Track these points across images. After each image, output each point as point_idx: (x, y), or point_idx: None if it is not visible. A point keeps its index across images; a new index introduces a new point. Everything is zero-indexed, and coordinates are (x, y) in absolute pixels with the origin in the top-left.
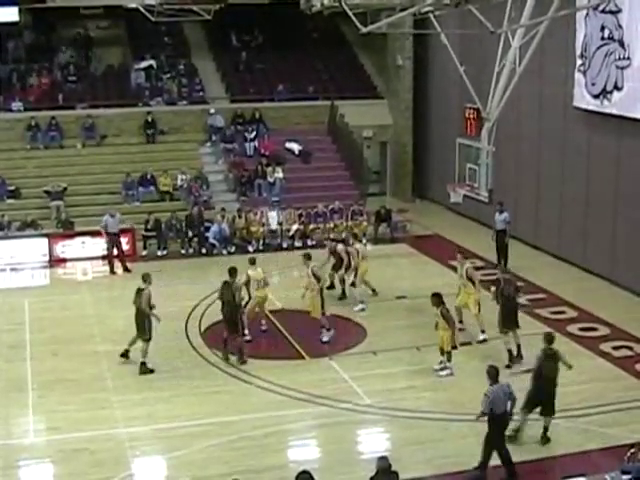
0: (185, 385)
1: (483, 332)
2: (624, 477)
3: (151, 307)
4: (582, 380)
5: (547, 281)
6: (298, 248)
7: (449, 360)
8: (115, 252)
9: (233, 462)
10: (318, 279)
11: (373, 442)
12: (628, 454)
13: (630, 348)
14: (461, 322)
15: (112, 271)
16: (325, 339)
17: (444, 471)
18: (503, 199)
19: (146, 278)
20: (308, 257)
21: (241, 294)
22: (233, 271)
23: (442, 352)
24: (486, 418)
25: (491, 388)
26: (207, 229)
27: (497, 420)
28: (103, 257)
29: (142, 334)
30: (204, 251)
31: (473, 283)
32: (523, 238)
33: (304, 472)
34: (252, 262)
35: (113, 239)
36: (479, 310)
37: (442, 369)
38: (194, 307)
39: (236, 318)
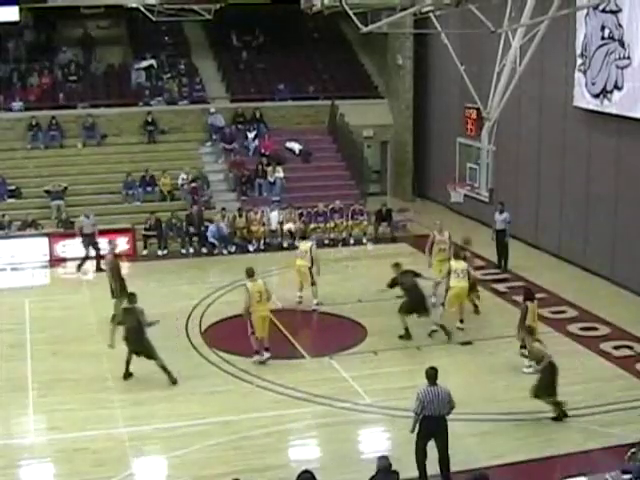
0: (185, 385)
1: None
2: (624, 477)
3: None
4: (582, 380)
5: (547, 281)
6: (298, 248)
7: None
8: (93, 253)
9: (233, 462)
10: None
11: (373, 441)
12: (628, 454)
13: (630, 347)
14: (461, 322)
15: (79, 269)
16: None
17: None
18: (503, 199)
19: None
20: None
21: (145, 318)
22: (132, 296)
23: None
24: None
25: (424, 389)
26: (207, 228)
27: (425, 421)
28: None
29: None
30: (205, 251)
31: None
32: (523, 238)
33: (306, 471)
34: (250, 274)
35: (88, 240)
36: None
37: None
38: (194, 307)
39: (147, 344)
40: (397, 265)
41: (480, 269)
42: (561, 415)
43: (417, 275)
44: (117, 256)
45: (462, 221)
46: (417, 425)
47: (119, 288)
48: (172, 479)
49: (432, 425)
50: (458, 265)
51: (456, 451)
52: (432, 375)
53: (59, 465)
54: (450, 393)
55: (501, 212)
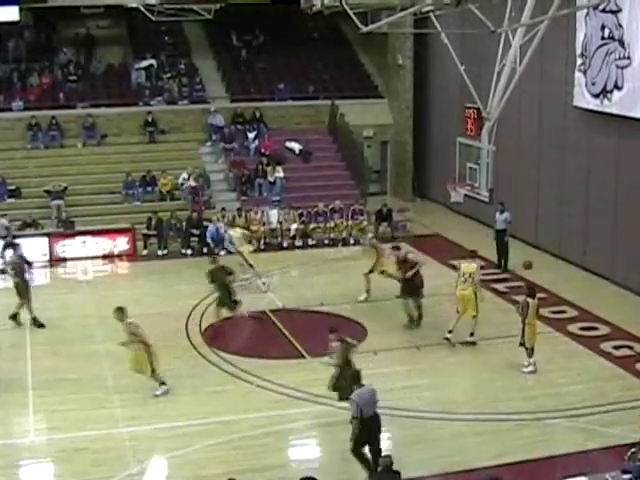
0: (185, 384)
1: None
2: (624, 477)
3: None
4: (583, 380)
5: (547, 280)
6: (298, 247)
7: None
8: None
9: (233, 462)
10: None
11: None
12: (628, 454)
13: (630, 347)
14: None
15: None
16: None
17: (443, 471)
18: (503, 198)
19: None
20: None
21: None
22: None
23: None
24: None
25: (356, 392)
26: (207, 229)
27: (366, 423)
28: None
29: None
30: (205, 251)
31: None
32: (523, 237)
33: (309, 478)
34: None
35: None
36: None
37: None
38: (194, 306)
39: None
40: (214, 260)
41: (480, 269)
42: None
43: (230, 273)
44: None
45: (462, 221)
46: (358, 427)
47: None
48: (172, 479)
49: (372, 424)
50: (467, 268)
51: (456, 451)
52: (357, 378)
53: (59, 465)
54: (374, 389)
55: (502, 212)
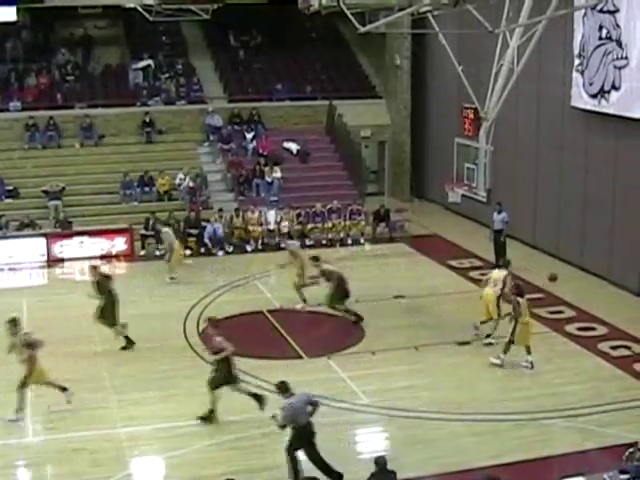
0: (183, 385)
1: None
2: (622, 477)
3: None
4: (580, 380)
5: (545, 281)
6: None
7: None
8: None
9: (231, 462)
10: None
11: (371, 441)
12: (626, 454)
13: (628, 348)
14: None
15: None
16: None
17: (441, 471)
18: (501, 198)
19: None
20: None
21: None
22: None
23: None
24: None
25: (287, 401)
26: (205, 229)
27: (300, 432)
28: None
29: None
30: (203, 251)
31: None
32: (521, 237)
33: (311, 478)
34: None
35: None
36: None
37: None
38: (192, 307)
39: None
40: (94, 267)
41: (478, 269)
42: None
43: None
44: None
45: (460, 221)
46: (291, 437)
47: None
48: (170, 479)
49: (307, 432)
50: (496, 275)
51: (454, 451)
52: (284, 389)
53: (57, 465)
54: (307, 394)
55: (499, 212)
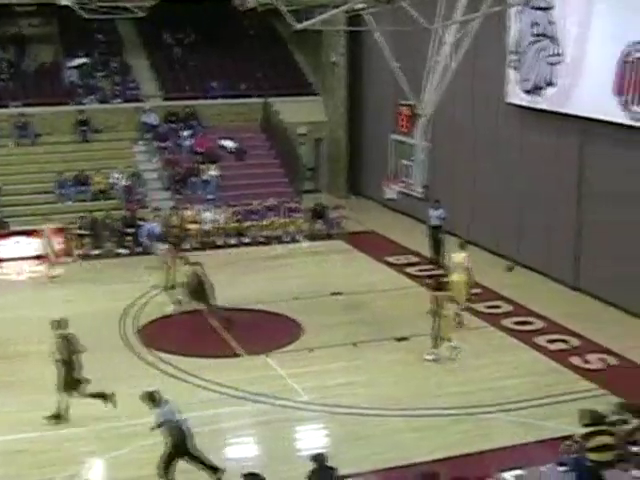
0: (122, 385)
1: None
2: (560, 469)
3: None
4: (518, 374)
5: (482, 276)
6: (233, 246)
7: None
8: None
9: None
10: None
11: (311, 439)
12: (563, 446)
13: (565, 341)
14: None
15: None
16: None
17: (381, 466)
18: (438, 195)
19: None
20: None
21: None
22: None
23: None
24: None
25: (159, 411)
26: (141, 228)
27: (176, 438)
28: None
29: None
30: (139, 250)
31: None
32: (459, 234)
33: (252, 474)
34: None
35: None
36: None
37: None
38: (129, 306)
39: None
40: None
41: (415, 265)
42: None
43: None
44: None
45: (397, 218)
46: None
47: None
48: (112, 479)
49: (185, 436)
50: (456, 258)
51: (394, 447)
52: (154, 399)
53: None
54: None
55: (436, 208)
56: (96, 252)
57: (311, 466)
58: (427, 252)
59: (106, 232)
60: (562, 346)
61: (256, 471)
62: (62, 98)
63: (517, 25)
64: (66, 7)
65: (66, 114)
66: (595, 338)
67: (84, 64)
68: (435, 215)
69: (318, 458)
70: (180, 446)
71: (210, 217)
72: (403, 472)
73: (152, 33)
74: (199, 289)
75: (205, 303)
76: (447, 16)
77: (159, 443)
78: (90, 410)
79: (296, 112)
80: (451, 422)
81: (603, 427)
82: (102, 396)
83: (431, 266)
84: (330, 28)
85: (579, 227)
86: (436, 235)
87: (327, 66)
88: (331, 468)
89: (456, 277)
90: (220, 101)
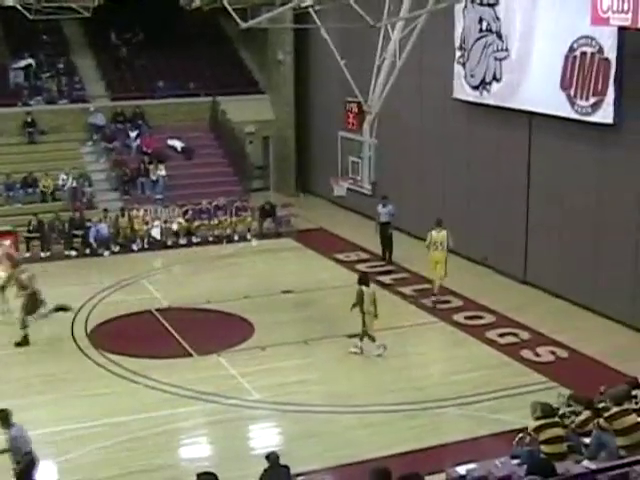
0: (73, 387)
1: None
2: (514, 462)
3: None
4: (470, 368)
5: (432, 272)
6: (183, 246)
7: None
8: None
9: (124, 463)
10: None
11: (264, 437)
12: (516, 439)
13: (515, 335)
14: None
15: None
16: None
17: (334, 464)
18: (386, 191)
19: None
20: None
21: None
22: None
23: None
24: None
25: (11, 432)
26: (89, 229)
27: (26, 458)
28: None
29: None
30: (88, 252)
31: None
32: (407, 229)
33: (208, 473)
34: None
35: None
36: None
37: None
38: (79, 308)
39: None
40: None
41: (365, 262)
42: None
43: None
44: None
45: (346, 215)
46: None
47: None
48: None
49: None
50: (438, 237)
51: (347, 444)
52: (7, 417)
53: None
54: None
55: (385, 205)
56: (44, 254)
57: (264, 465)
58: (377, 249)
59: (54, 234)
60: (513, 339)
61: (210, 470)
62: (8, 99)
63: (463, 21)
64: (11, 8)
65: (13, 115)
66: (545, 331)
67: (30, 65)
68: (384, 212)
69: (271, 457)
70: (28, 466)
71: (159, 217)
72: (356, 469)
73: (98, 33)
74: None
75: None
76: (393, 13)
77: (112, 445)
78: (39, 414)
79: (243, 111)
80: (404, 417)
81: (555, 419)
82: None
83: (381, 262)
84: (277, 26)
85: (527, 220)
86: (385, 231)
87: (273, 64)
88: (284, 466)
89: (438, 254)
90: (168, 100)
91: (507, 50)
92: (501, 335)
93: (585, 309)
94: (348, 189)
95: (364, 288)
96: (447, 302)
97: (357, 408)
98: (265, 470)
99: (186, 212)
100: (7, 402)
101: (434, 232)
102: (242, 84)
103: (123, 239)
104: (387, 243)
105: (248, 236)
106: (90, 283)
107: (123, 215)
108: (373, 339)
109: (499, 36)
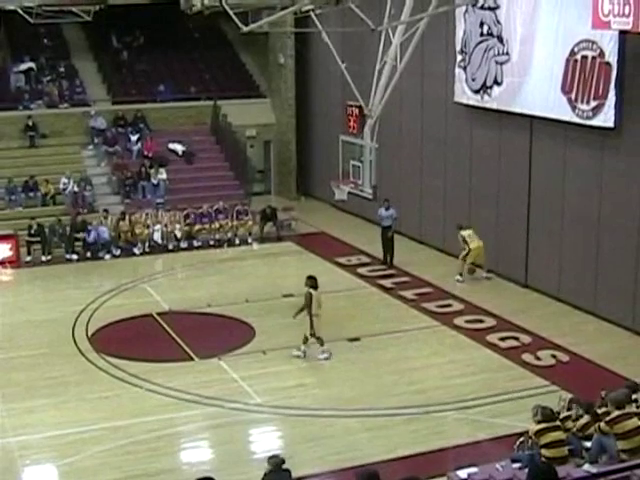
0: (74, 391)
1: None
2: (514, 465)
3: None
4: (471, 372)
5: (433, 275)
6: (184, 249)
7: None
8: None
9: (125, 467)
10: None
11: (264, 441)
12: (517, 443)
13: (516, 339)
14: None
15: None
16: None
17: (335, 467)
18: (387, 195)
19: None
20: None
21: None
22: None
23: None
24: None
25: None
26: (90, 233)
27: None
28: None
29: None
30: (89, 255)
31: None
32: (408, 233)
33: (207, 478)
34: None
35: None
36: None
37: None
38: (80, 312)
39: None
40: None
41: (366, 265)
42: None
43: None
44: None
45: (347, 218)
46: None
47: None
48: None
49: None
50: (466, 232)
51: (348, 447)
52: None
53: None
54: None
55: (387, 208)
56: (45, 258)
57: (266, 468)
58: (378, 252)
59: (55, 238)
60: (514, 343)
61: (210, 475)
62: (9, 103)
63: (464, 25)
64: (12, 11)
65: (13, 119)
66: (546, 334)
67: (31, 69)
68: (386, 215)
69: (274, 460)
70: None
71: (160, 221)
72: (344, 473)
73: (99, 37)
74: None
75: None
76: (394, 17)
77: (113, 449)
78: (40, 417)
79: (244, 114)
80: (405, 421)
81: (556, 423)
82: None
83: (382, 266)
84: (278, 30)
85: (528, 224)
86: (386, 235)
87: (274, 68)
88: (285, 470)
89: (476, 243)
90: (169, 104)
91: (508, 54)
92: (502, 339)
93: (586, 313)
94: (349, 193)
95: (312, 291)
96: (448, 306)
97: (358, 412)
98: (266, 474)
99: (187, 216)
100: (8, 405)
101: (462, 232)
102: (243, 88)
103: (124, 243)
104: (388, 246)
105: (249, 240)
106: (91, 287)
107: (124, 218)
108: (322, 342)
109: (500, 40)
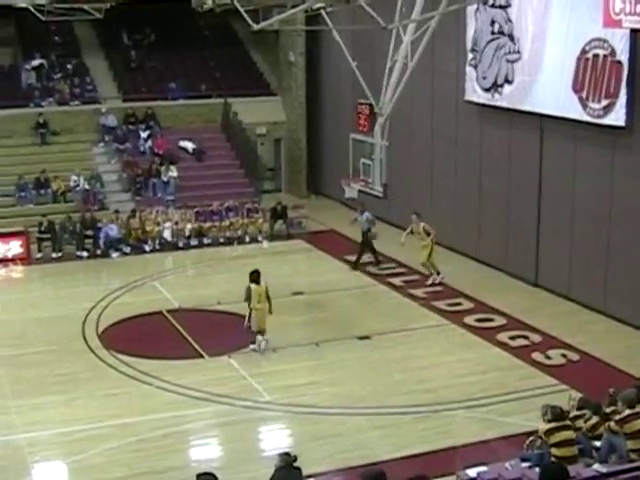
0: (83, 388)
1: (438, 273)
2: (523, 465)
3: None
4: (481, 370)
5: (443, 274)
6: (194, 247)
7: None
8: None
9: (134, 464)
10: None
11: (274, 439)
12: (527, 442)
13: (526, 337)
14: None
15: None
16: None
17: (345, 465)
18: (397, 193)
19: None
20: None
21: None
22: None
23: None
24: None
25: None
26: (100, 230)
27: None
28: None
29: None
30: (99, 252)
31: (428, 235)
32: None
33: (207, 474)
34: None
35: None
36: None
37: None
38: (90, 309)
39: None
40: None
41: (376, 263)
42: None
43: None
44: None
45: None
46: None
47: None
48: None
49: None
50: (417, 228)
51: (358, 446)
52: None
53: None
54: None
55: (362, 212)
56: (56, 255)
57: (276, 465)
58: (387, 250)
59: (65, 235)
60: (524, 342)
61: (210, 471)
62: (20, 100)
63: (475, 23)
64: (23, 9)
65: (24, 116)
66: (556, 333)
67: (41, 66)
68: (363, 219)
69: (284, 457)
70: None
71: (170, 218)
72: (354, 471)
73: (110, 34)
74: None
75: None
76: (405, 15)
77: (122, 446)
78: (49, 414)
79: (255, 112)
80: (414, 420)
81: (565, 422)
82: None
83: (392, 264)
84: (288, 28)
85: (538, 223)
86: (366, 237)
87: (285, 66)
88: (296, 468)
89: (432, 234)
90: (179, 102)
91: (519, 52)
92: (512, 338)
93: (596, 312)
94: (359, 191)
95: (252, 285)
96: (458, 304)
97: (367, 410)
98: (277, 469)
99: (197, 213)
100: (18, 402)
101: (414, 225)
102: (254, 86)
103: (134, 240)
104: (372, 248)
105: (259, 238)
106: (101, 284)
107: (134, 216)
108: (262, 334)
109: (511, 38)
